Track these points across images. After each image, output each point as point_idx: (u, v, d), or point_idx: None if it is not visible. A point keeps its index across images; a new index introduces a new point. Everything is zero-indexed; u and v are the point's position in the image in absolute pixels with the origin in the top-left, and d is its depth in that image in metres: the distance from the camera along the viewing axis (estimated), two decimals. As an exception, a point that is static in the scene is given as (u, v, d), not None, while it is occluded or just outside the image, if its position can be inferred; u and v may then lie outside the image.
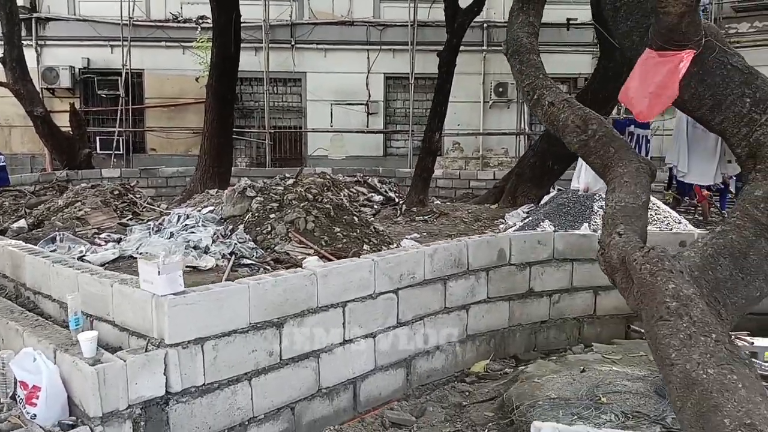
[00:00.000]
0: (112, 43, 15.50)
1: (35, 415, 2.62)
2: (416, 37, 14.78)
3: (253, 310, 3.10)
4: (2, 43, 12.24)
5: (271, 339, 3.19)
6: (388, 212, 10.43)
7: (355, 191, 11.56)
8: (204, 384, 2.95)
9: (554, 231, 5.82)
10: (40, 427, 2.58)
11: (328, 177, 10.84)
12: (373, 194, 11.69)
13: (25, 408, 2.66)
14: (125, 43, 15.22)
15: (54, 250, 6.21)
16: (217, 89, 10.74)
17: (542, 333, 4.79)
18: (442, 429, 3.44)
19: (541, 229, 7.03)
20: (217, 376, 2.99)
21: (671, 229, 6.90)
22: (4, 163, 11.21)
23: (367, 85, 15.53)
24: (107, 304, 3.17)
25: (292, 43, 15.43)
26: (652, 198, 7.00)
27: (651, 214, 6.91)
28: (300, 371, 3.34)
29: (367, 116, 15.67)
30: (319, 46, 15.36)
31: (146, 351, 2.80)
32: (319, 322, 3.40)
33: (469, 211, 10.00)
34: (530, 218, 8.17)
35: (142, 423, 2.76)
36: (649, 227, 6.10)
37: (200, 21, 14.98)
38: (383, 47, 15.31)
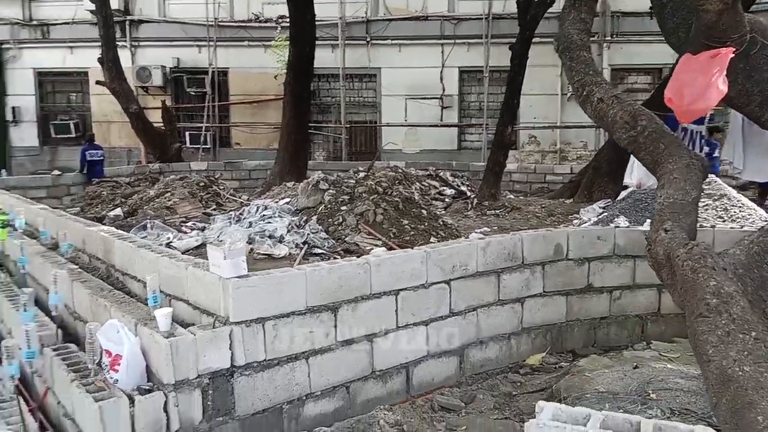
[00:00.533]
0: (199, 43, 16.40)
1: (117, 380, 2.97)
2: (491, 30, 14.68)
3: (309, 294, 3.34)
4: (100, 44, 13.28)
5: (327, 322, 3.42)
6: (459, 206, 10.48)
7: (426, 185, 11.67)
8: (265, 360, 3.21)
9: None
10: (122, 390, 2.92)
11: (399, 170, 11.04)
12: (444, 188, 11.77)
13: (108, 373, 3.02)
14: (211, 43, 16.06)
15: (145, 237, 6.78)
16: (294, 86, 11.18)
17: (602, 329, 4.76)
18: (490, 416, 3.55)
19: (615, 225, 6.91)
20: (276, 353, 3.25)
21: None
22: (101, 158, 12.17)
23: (441, 79, 15.60)
24: (182, 285, 3.50)
25: (368, 39, 15.73)
26: (737, 195, 6.73)
27: (735, 212, 6.62)
28: (354, 353, 3.55)
29: (441, 110, 15.73)
30: (394, 42, 15.58)
31: (214, 327, 3.10)
32: (373, 309, 3.60)
33: (543, 205, 9.89)
34: (606, 214, 8.01)
35: (210, 392, 3.05)
36: (732, 225, 5.88)
37: (279, 20, 15.56)
38: (457, 41, 15.31)
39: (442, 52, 15.50)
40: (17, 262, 5.43)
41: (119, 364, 2.96)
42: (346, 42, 15.50)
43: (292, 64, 11.14)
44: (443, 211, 9.40)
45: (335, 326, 3.46)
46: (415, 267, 3.77)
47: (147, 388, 2.97)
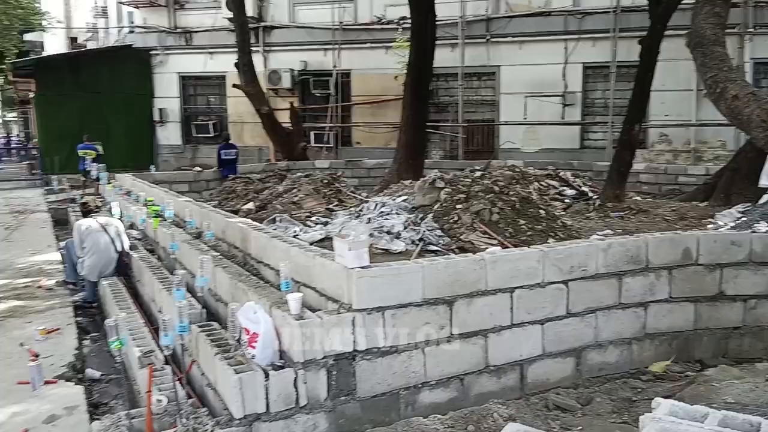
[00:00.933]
0: (325, 46, 17.16)
1: (254, 356, 3.30)
2: (619, 23, 14.02)
3: (426, 287, 3.49)
4: (236, 50, 14.33)
5: (443, 314, 3.55)
6: (580, 207, 10.16)
7: (545, 185, 11.42)
8: (384, 346, 3.41)
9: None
10: (258, 365, 3.24)
11: (517, 170, 10.89)
12: (565, 188, 11.45)
13: (246, 349, 3.36)
14: (336, 46, 16.75)
15: (275, 230, 7.30)
16: (414, 86, 11.40)
17: (734, 340, 4.47)
18: (607, 419, 3.50)
19: (752, 230, 6.41)
20: (394, 341, 3.43)
21: None
22: (235, 156, 13.15)
23: (563, 75, 15.15)
24: (311, 273, 3.79)
25: (487, 37, 15.63)
26: None
27: None
28: (469, 347, 3.65)
29: (563, 108, 15.28)
30: (515, 39, 15.35)
31: (338, 313, 3.34)
32: (487, 304, 3.67)
33: (673, 208, 9.34)
34: (744, 219, 7.43)
35: (334, 372, 3.30)
36: None
37: (401, 22, 15.88)
38: (582, 36, 14.78)
39: (566, 48, 15.05)
40: (167, 249, 6.09)
41: (256, 342, 3.29)
42: (466, 41, 15.50)
43: (412, 64, 11.37)
44: (563, 212, 9.17)
45: (450, 319, 3.59)
46: (531, 265, 3.80)
47: (279, 364, 3.26)
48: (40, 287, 6.79)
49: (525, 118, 15.60)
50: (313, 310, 3.47)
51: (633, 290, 4.12)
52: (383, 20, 16.66)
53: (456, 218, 7.45)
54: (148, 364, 3.25)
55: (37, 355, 4.20)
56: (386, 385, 3.43)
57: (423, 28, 11.07)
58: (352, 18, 17.02)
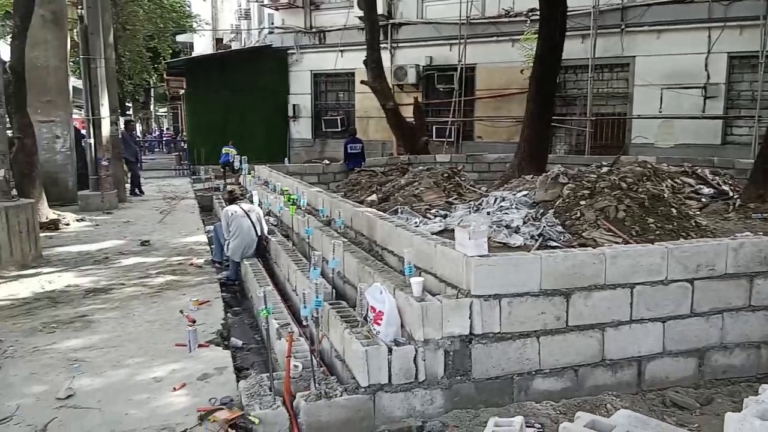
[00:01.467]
0: (451, 41, 17.30)
1: (379, 332, 3.61)
2: (770, 10, 12.84)
3: (543, 278, 3.61)
4: (366, 47, 14.90)
5: (559, 305, 3.65)
6: (718, 207, 9.53)
7: (680, 182, 10.81)
8: (499, 332, 3.58)
9: None
10: (383, 341, 3.55)
11: (649, 166, 10.41)
12: (701, 186, 10.76)
13: (372, 326, 3.68)
14: (462, 40, 16.85)
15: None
16: (540, 79, 11.23)
17: None
18: (729, 422, 3.42)
19: None
20: (510, 328, 3.59)
21: None
22: (360, 151, 13.67)
23: (705, 66, 14.12)
24: (432, 260, 4.05)
25: (622, 27, 14.95)
26: None
27: None
28: (584, 339, 3.72)
29: (704, 101, 14.26)
30: (652, 28, 14.54)
31: (457, 298, 3.57)
32: (606, 299, 3.72)
33: (826, 210, 8.50)
34: None
35: (451, 353, 3.53)
36: None
37: (530, 14, 15.63)
38: (728, 24, 13.69)
39: (709, 36, 14.01)
40: (300, 234, 6.64)
41: (381, 320, 3.60)
42: (598, 31, 14.95)
43: (539, 56, 11.20)
44: (697, 212, 8.67)
45: (567, 311, 3.68)
46: (654, 262, 3.77)
47: (402, 341, 3.56)
48: (191, 265, 7.67)
49: (660, 112, 14.75)
50: (433, 295, 3.72)
51: (765, 292, 3.95)
52: (511, 13, 16.49)
53: (579, 215, 7.34)
54: (289, 333, 3.67)
55: (194, 321, 4.83)
56: (500, 370, 3.61)
57: (552, 19, 10.87)
58: (479, 12, 17.00)
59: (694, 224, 7.20)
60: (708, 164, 12.13)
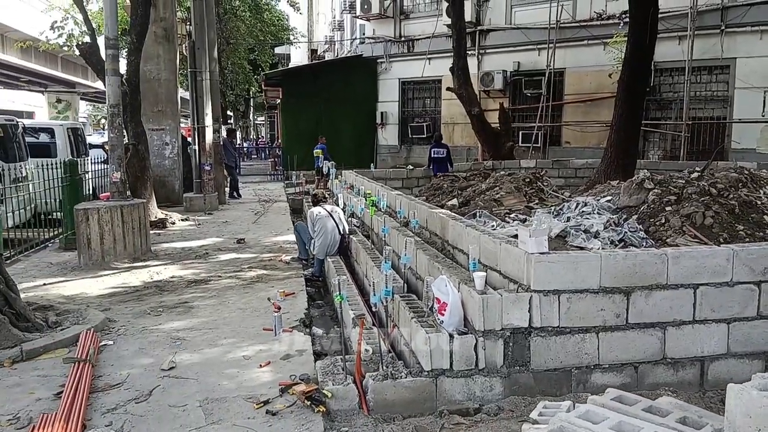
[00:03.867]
0: (539, 46, 17.18)
1: (443, 322, 3.88)
2: None
3: (603, 276, 3.73)
4: (452, 54, 15.14)
5: (619, 303, 3.76)
6: (824, 216, 8.95)
7: (781, 189, 10.23)
8: (558, 326, 3.75)
9: None
10: (445, 330, 3.81)
11: (746, 172, 9.94)
12: (806, 194, 10.12)
13: (437, 316, 3.96)
14: (551, 45, 16.69)
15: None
16: (629, 82, 10.99)
17: None
18: (795, 426, 3.38)
19: None
20: (569, 322, 3.75)
21: None
22: (444, 156, 13.83)
23: (814, 66, 13.22)
24: (496, 257, 4.26)
25: (722, 27, 14.26)
26: None
27: None
28: (645, 337, 3.80)
29: (812, 103, 13.35)
30: (754, 28, 13.78)
31: (516, 292, 3.77)
32: (667, 298, 3.78)
33: None
34: None
35: (510, 344, 3.74)
36: None
37: (623, 16, 15.24)
38: (840, 21, 12.75)
39: (818, 35, 13.11)
40: (379, 233, 7.02)
41: (445, 310, 3.87)
42: (696, 32, 14.35)
43: (627, 59, 10.97)
44: (797, 220, 8.22)
45: (627, 309, 3.78)
46: (719, 263, 3.79)
47: (463, 331, 3.81)
48: (280, 261, 8.26)
49: (763, 116, 13.92)
50: (496, 289, 3.94)
51: (839, 297, 3.84)
52: (603, 15, 16.16)
53: (663, 220, 7.21)
54: (361, 318, 4.02)
55: (279, 308, 5.32)
56: (558, 362, 3.77)
57: (643, 21, 10.63)
58: (569, 15, 16.77)
59: (788, 232, 6.89)
60: (818, 171, 11.35)
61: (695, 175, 8.26)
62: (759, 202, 7.85)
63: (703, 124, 14.89)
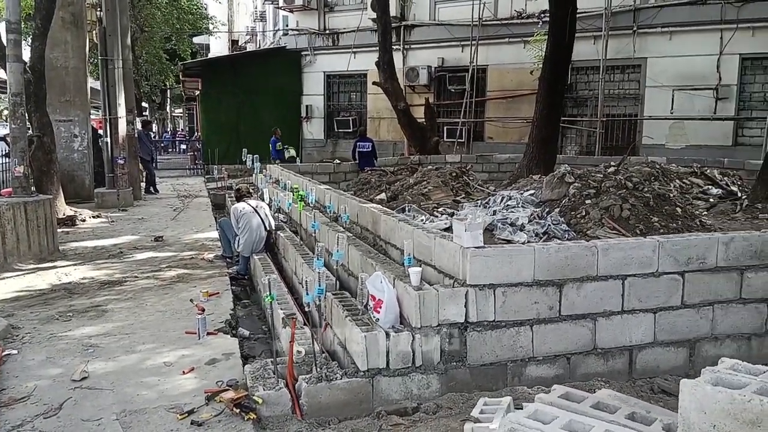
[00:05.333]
0: (463, 43, 17.43)
1: (378, 320, 3.76)
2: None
3: (537, 269, 3.74)
4: (378, 49, 15.08)
5: (552, 296, 3.78)
6: (726, 207, 9.56)
7: (688, 182, 10.87)
8: (494, 320, 3.72)
9: None
10: (381, 327, 3.70)
11: (657, 166, 10.48)
12: (710, 187, 10.80)
13: (372, 314, 3.84)
14: (474, 42, 16.96)
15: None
16: (549, 80, 11.32)
17: None
18: (717, 410, 3.52)
19: None
20: (504, 316, 3.73)
21: None
22: (370, 150, 13.78)
23: (717, 67, 14.13)
24: (431, 252, 4.19)
25: (634, 28, 14.98)
26: None
27: None
28: (577, 328, 3.85)
29: (715, 102, 14.26)
30: (664, 29, 14.57)
31: (452, 287, 3.71)
32: (597, 289, 3.84)
33: (834, 211, 8.50)
34: None
35: (447, 339, 3.68)
36: None
37: (542, 15, 15.70)
38: (740, 26, 13.68)
39: (721, 38, 14.01)
40: (308, 229, 6.82)
41: (380, 308, 3.75)
42: (610, 33, 15.00)
43: (548, 58, 11.30)
44: (704, 212, 8.73)
45: (559, 301, 3.80)
46: (646, 255, 3.89)
47: (399, 328, 3.71)
48: (202, 259, 7.88)
49: (672, 113, 14.77)
50: (432, 285, 3.87)
51: (755, 286, 4.05)
52: (523, 14, 16.58)
53: (584, 213, 7.44)
54: (292, 318, 3.84)
55: (203, 310, 5.02)
56: (494, 356, 3.74)
57: (563, 21, 10.96)
58: (491, 13, 17.10)
59: (698, 223, 7.28)
60: (718, 165, 12.15)
61: (612, 169, 8.59)
62: (671, 195, 8.26)
63: (616, 121, 15.61)
